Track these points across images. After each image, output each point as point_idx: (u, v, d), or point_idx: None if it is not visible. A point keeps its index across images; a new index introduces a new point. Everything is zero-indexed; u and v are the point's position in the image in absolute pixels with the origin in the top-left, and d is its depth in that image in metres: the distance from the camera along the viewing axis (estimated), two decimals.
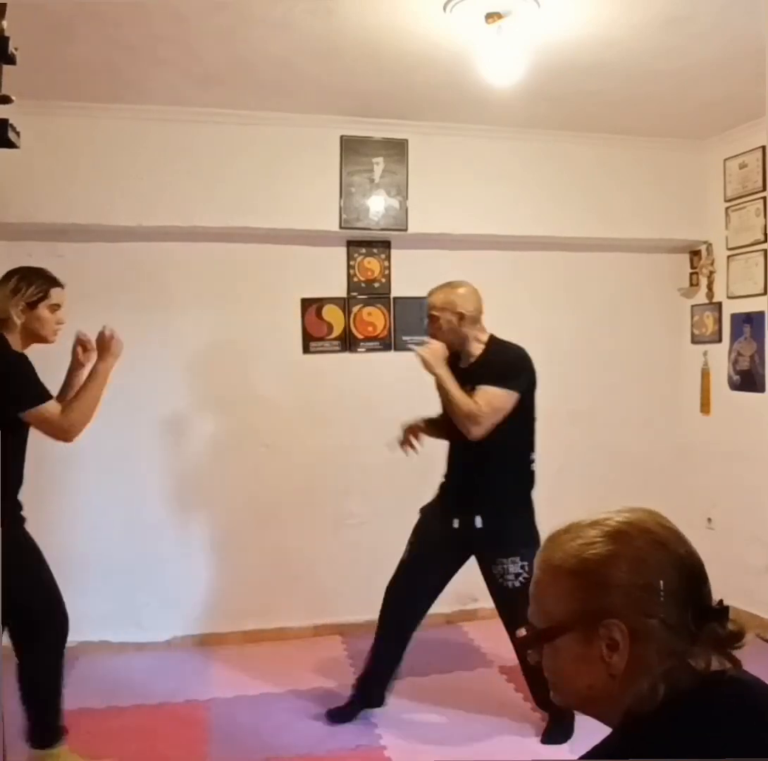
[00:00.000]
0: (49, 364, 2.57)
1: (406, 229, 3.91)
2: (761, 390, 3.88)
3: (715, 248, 4.21)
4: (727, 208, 4.09)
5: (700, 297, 4.33)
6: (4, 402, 2.41)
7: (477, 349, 2.87)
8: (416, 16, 2.66)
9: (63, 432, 2.48)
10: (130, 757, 2.74)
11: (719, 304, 4.19)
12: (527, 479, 2.94)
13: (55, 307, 2.56)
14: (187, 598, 3.86)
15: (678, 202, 4.21)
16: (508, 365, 2.82)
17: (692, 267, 4.41)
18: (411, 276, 4.00)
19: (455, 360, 2.87)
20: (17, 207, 3.41)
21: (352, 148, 3.82)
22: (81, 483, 3.67)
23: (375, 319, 4.07)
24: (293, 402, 3.93)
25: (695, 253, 4.37)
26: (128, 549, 3.74)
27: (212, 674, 3.53)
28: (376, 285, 4.06)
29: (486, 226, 3.96)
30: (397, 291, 4.05)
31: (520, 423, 2.86)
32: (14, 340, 2.49)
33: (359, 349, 4.03)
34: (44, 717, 2.53)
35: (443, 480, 3.00)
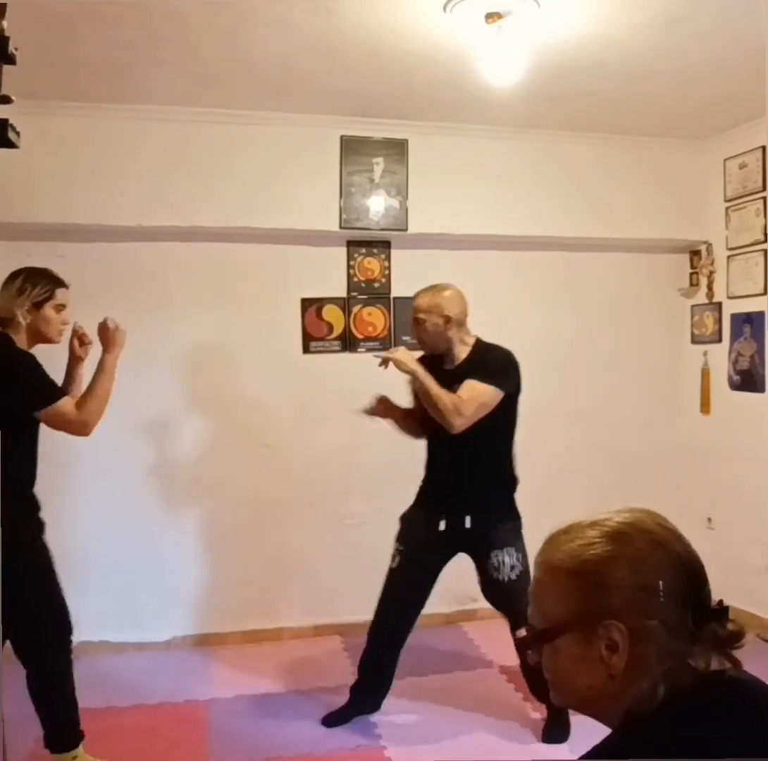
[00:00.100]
0: (47, 362, 2.56)
1: (406, 229, 3.91)
2: (761, 390, 3.88)
3: (715, 248, 4.22)
4: (727, 208, 4.09)
5: (700, 297, 4.33)
6: (19, 402, 2.43)
7: (463, 351, 2.88)
8: (416, 16, 2.66)
9: (81, 427, 2.50)
10: (130, 757, 2.74)
11: (719, 304, 4.19)
12: (512, 478, 2.95)
13: (60, 307, 2.57)
14: (187, 598, 3.86)
15: (678, 202, 4.21)
16: (498, 364, 2.83)
17: (692, 267, 4.41)
18: (411, 276, 3.98)
19: (440, 362, 2.89)
20: (17, 207, 3.41)
21: (352, 148, 3.82)
22: (81, 483, 3.67)
23: (375, 319, 4.07)
24: (293, 402, 3.93)
25: (695, 253, 4.37)
26: (128, 549, 3.74)
27: (212, 674, 3.53)
28: (376, 285, 4.07)
29: (486, 226, 3.96)
30: (397, 291, 4.05)
31: (504, 423, 2.87)
32: (20, 340, 2.50)
33: (359, 349, 4.03)
34: (59, 723, 2.53)
35: (422, 484, 2.99)
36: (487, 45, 2.66)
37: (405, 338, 3.90)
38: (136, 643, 3.75)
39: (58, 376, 2.61)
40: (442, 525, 2.85)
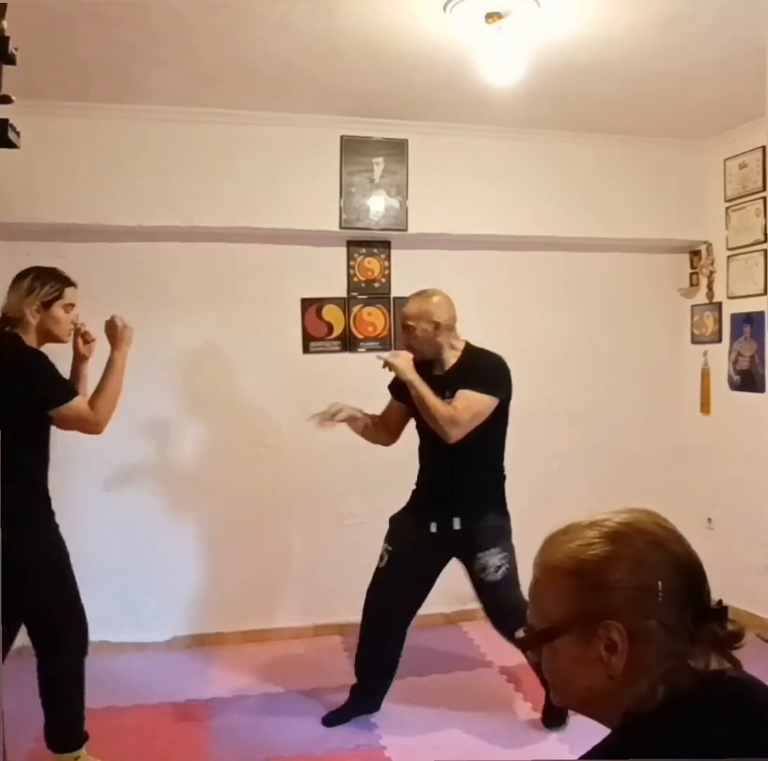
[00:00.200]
0: (53, 361, 2.56)
1: (406, 229, 3.91)
2: (761, 390, 3.88)
3: (715, 248, 4.21)
4: (727, 208, 4.09)
5: (700, 297, 4.33)
6: (32, 400, 2.43)
7: (452, 356, 2.89)
8: (416, 16, 2.66)
9: (94, 426, 2.52)
10: (130, 757, 2.74)
11: (719, 304, 4.19)
12: (501, 482, 2.96)
13: (69, 307, 2.58)
14: (187, 598, 3.86)
15: (678, 202, 4.21)
16: (490, 372, 2.84)
17: (692, 267, 4.41)
18: (411, 276, 3.99)
19: (429, 368, 2.89)
20: (17, 207, 3.41)
21: (352, 148, 3.82)
22: (81, 483, 3.66)
23: (375, 319, 4.07)
24: (293, 402, 3.92)
25: (695, 253, 4.37)
26: (128, 549, 3.74)
27: (212, 674, 3.53)
28: (376, 285, 4.06)
29: (486, 226, 3.96)
30: (397, 291, 4.04)
31: (496, 429, 2.88)
32: (29, 340, 2.51)
33: (359, 349, 4.03)
34: (66, 722, 2.53)
35: (416, 487, 3.01)
36: (487, 45, 2.66)
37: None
38: (136, 643, 3.75)
39: (63, 375, 2.61)
40: (433, 527, 2.87)
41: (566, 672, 0.98)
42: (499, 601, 2.89)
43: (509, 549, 2.86)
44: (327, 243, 3.95)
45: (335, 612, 3.88)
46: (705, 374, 4.30)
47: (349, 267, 4.03)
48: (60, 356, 2.62)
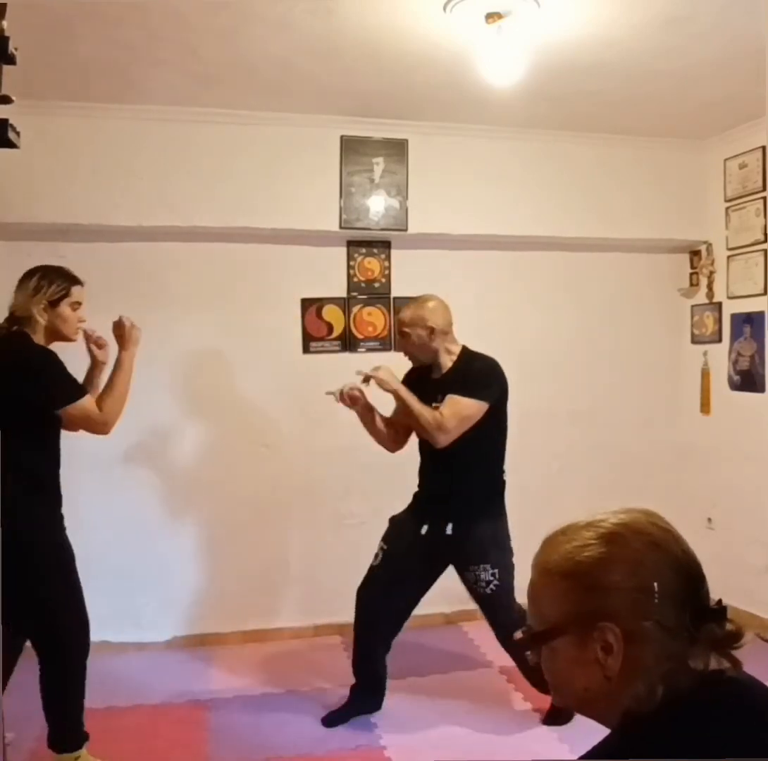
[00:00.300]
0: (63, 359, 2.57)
1: (406, 229, 3.91)
2: (761, 390, 3.88)
3: (715, 248, 4.21)
4: (727, 208, 4.09)
5: (700, 297, 4.33)
6: (40, 399, 2.44)
7: (449, 360, 2.91)
8: (416, 16, 2.66)
9: (102, 426, 2.53)
10: (130, 757, 2.73)
11: (719, 304, 4.19)
12: (499, 487, 2.96)
13: (76, 305, 2.59)
14: (187, 598, 3.86)
15: (678, 202, 4.21)
16: (477, 375, 2.85)
17: (692, 267, 4.41)
18: (411, 276, 4.00)
19: (429, 371, 2.93)
20: (17, 207, 3.41)
21: (352, 148, 3.82)
22: (80, 483, 3.65)
23: (375, 319, 4.07)
24: (293, 402, 3.93)
25: (695, 253, 4.37)
26: (128, 550, 3.74)
27: (212, 674, 3.53)
28: (376, 285, 4.06)
29: (486, 226, 3.96)
30: (397, 291, 4.05)
31: (492, 432, 2.89)
32: (37, 339, 2.52)
33: (359, 349, 4.03)
34: (66, 722, 2.54)
35: (417, 489, 3.03)
36: (487, 45, 2.66)
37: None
38: (136, 643, 3.75)
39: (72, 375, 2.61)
40: (424, 530, 2.89)
41: (564, 673, 0.98)
42: (493, 612, 2.95)
43: (501, 563, 2.87)
44: (327, 243, 3.95)
45: (335, 612, 3.88)
46: (705, 374, 4.30)
47: (349, 267, 4.03)
48: (70, 356, 2.63)
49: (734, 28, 2.75)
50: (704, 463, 4.28)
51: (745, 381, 4.00)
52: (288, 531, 3.98)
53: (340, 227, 3.84)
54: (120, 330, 2.65)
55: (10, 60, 1.39)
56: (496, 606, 2.90)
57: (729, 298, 4.11)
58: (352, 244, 4.02)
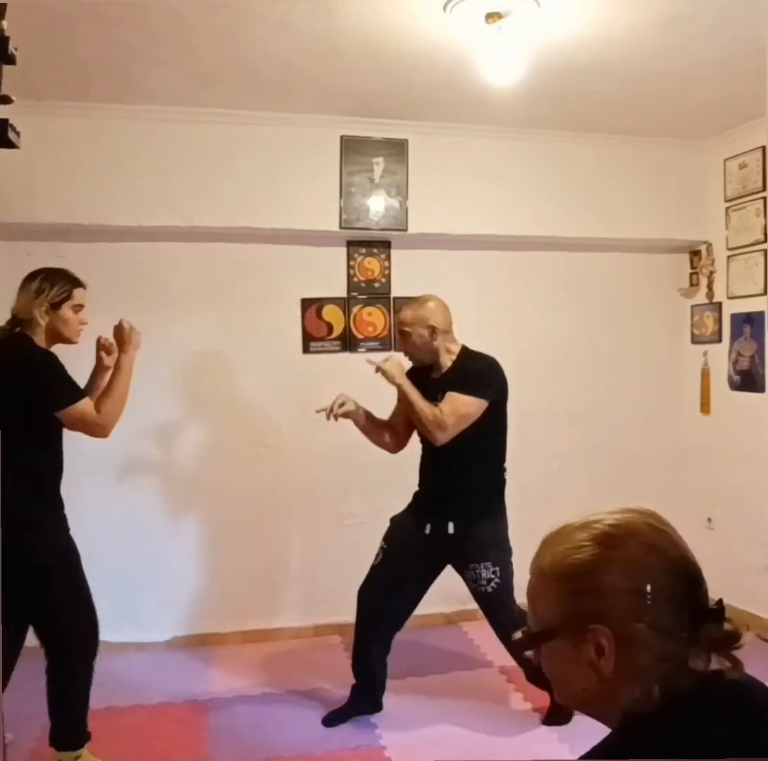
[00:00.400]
0: (66, 363, 2.57)
1: (406, 229, 3.91)
2: (761, 390, 3.88)
3: (715, 248, 4.21)
4: (727, 208, 4.09)
5: (700, 297, 4.33)
6: (39, 401, 2.44)
7: (449, 359, 2.92)
8: (416, 16, 2.66)
9: (100, 429, 2.53)
10: (130, 757, 2.73)
11: (719, 304, 4.19)
12: (500, 486, 2.97)
13: (78, 308, 2.60)
14: (187, 598, 3.86)
15: (678, 202, 4.21)
16: (477, 374, 2.86)
17: (692, 267, 4.41)
18: (411, 276, 4.00)
19: (429, 371, 2.94)
20: (17, 207, 3.41)
21: (352, 148, 3.82)
22: (80, 483, 3.65)
23: (375, 319, 4.07)
24: (293, 402, 3.93)
25: (695, 253, 4.37)
26: (128, 550, 3.74)
27: (212, 674, 3.53)
28: (376, 285, 4.06)
29: (486, 226, 3.96)
30: (397, 291, 4.05)
31: (492, 431, 2.90)
32: (39, 341, 2.53)
33: (359, 349, 4.03)
34: (70, 721, 2.54)
35: (417, 488, 3.04)
36: (487, 45, 2.66)
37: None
38: (136, 643, 3.75)
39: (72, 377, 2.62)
40: (427, 529, 2.89)
41: (562, 674, 0.99)
42: (494, 611, 2.94)
43: (502, 561, 2.87)
44: (327, 243, 3.95)
45: (335, 612, 3.88)
46: (705, 374, 4.30)
47: (349, 267, 4.03)
48: (72, 358, 2.63)
49: (734, 28, 2.75)
50: (704, 463, 4.28)
51: (745, 381, 4.00)
52: (288, 531, 3.98)
53: (340, 227, 3.84)
54: (120, 333, 2.66)
55: (10, 60, 1.39)
56: (496, 605, 2.90)
57: (729, 298, 4.11)
58: (352, 244, 4.02)
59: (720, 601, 0.96)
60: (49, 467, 2.56)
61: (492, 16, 2.57)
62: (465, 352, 2.94)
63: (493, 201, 3.95)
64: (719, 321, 4.18)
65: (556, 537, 1.01)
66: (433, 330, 2.85)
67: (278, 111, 3.65)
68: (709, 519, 4.21)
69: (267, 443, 3.96)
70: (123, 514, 3.75)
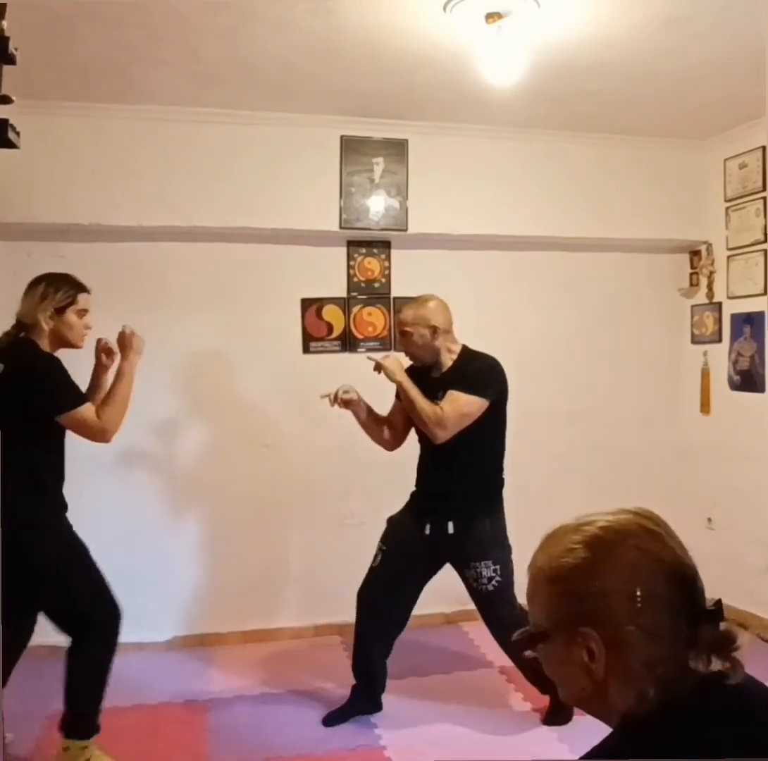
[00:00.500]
0: (69, 366, 2.58)
1: (406, 229, 3.91)
2: (761, 390, 3.88)
3: (715, 248, 4.21)
4: (727, 208, 4.09)
5: (700, 297, 4.33)
6: (42, 405, 2.46)
7: (449, 359, 2.92)
8: (416, 16, 2.66)
9: (101, 433, 2.53)
10: (130, 757, 2.73)
11: (719, 304, 4.19)
12: (498, 485, 2.97)
13: (82, 312, 2.61)
14: (187, 598, 3.86)
15: (678, 202, 4.21)
16: (477, 373, 2.86)
17: (692, 267, 4.41)
18: (411, 276, 4.00)
19: (428, 371, 2.94)
20: (17, 207, 3.41)
21: (352, 148, 3.82)
22: (80, 483, 3.65)
23: (375, 319, 4.07)
24: (293, 402, 3.93)
25: (695, 253, 4.37)
26: (128, 550, 3.73)
27: (212, 674, 3.53)
28: (376, 285, 4.06)
29: (486, 226, 3.96)
30: (397, 291, 4.05)
31: (491, 431, 2.90)
32: (44, 345, 2.55)
33: (359, 349, 4.03)
34: (81, 711, 2.55)
35: (415, 488, 3.03)
36: (487, 45, 2.66)
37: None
38: (136, 643, 3.74)
39: (77, 382, 2.62)
40: (427, 529, 2.89)
41: (560, 674, 1.00)
42: (493, 611, 2.94)
43: (502, 559, 2.87)
44: (327, 243, 3.95)
45: (335, 612, 3.88)
46: (705, 374, 4.30)
47: (349, 267, 4.03)
48: (76, 362, 2.64)
49: (734, 28, 2.75)
50: (704, 463, 4.28)
51: (745, 381, 4.00)
52: (288, 531, 3.98)
53: (340, 227, 3.84)
54: (121, 339, 2.68)
55: (10, 60, 1.39)
56: (497, 603, 2.88)
57: (729, 298, 4.11)
58: (352, 244, 4.02)
59: (718, 602, 0.96)
60: (49, 468, 2.57)
61: (492, 16, 2.57)
62: (466, 351, 2.94)
63: (493, 201, 3.95)
64: (719, 321, 4.18)
65: (551, 538, 1.01)
66: (434, 330, 2.86)
67: (278, 111, 3.65)
68: (709, 519, 4.21)
69: (267, 443, 3.95)
70: (123, 514, 3.74)
